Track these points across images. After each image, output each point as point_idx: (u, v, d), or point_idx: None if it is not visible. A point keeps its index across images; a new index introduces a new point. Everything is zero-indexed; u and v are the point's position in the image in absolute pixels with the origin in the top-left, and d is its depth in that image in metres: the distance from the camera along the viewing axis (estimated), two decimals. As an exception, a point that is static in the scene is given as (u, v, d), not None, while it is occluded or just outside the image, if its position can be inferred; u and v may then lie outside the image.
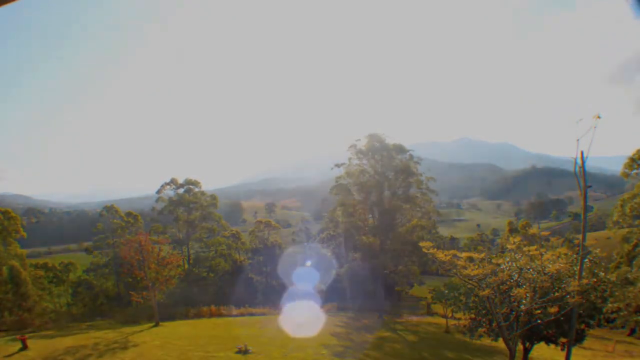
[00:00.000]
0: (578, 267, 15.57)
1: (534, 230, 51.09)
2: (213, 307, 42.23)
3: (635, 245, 37.95)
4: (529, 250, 15.64)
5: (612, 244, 44.88)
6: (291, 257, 51.90)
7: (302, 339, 25.94)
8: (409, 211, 44.41)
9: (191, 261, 54.34)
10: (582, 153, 15.15)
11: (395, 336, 30.42)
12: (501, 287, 15.70)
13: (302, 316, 34.96)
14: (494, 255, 18.90)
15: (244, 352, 22.27)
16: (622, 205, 39.22)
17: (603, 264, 19.46)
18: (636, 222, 40.43)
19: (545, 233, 24.57)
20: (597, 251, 18.24)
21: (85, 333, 30.53)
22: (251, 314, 40.70)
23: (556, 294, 15.01)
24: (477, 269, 15.42)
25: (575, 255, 16.46)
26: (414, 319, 41.03)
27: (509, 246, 16.48)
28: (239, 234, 58.61)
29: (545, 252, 15.50)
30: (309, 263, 47.36)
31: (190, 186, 56.15)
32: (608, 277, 17.84)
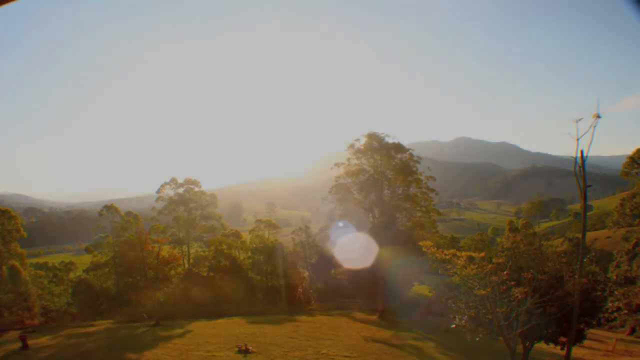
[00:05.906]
0: (578, 266, 15.58)
1: (534, 229, 51.09)
2: (213, 307, 42.19)
3: (635, 244, 37.98)
4: (528, 250, 15.66)
5: (613, 243, 44.90)
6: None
7: (302, 339, 25.95)
8: (409, 210, 44.36)
9: (191, 261, 54.31)
10: (581, 153, 15.19)
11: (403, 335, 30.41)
12: (501, 286, 15.70)
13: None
14: (494, 255, 18.89)
15: (244, 351, 22.30)
16: (622, 205, 39.37)
17: (603, 262, 19.51)
18: (636, 222, 40.50)
19: (546, 232, 24.57)
20: (597, 249, 18.27)
21: (85, 333, 30.51)
22: (251, 314, 40.68)
23: (556, 293, 15.01)
24: (476, 268, 15.44)
25: (575, 255, 16.47)
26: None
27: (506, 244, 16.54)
28: (239, 233, 58.52)
29: (545, 251, 15.52)
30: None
31: (190, 186, 56.11)
32: (608, 276, 17.87)
